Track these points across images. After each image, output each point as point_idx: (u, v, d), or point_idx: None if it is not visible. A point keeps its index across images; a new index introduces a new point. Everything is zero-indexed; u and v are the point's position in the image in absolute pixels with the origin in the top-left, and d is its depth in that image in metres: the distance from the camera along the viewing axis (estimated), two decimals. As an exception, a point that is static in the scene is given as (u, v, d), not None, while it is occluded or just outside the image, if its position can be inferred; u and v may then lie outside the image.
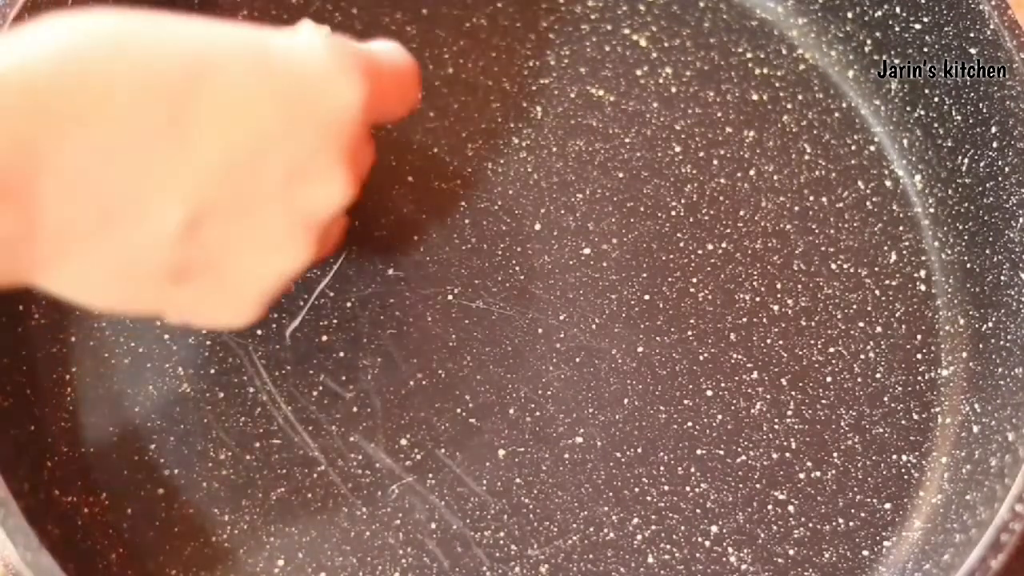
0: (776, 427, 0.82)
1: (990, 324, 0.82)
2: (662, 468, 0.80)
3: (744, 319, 0.84)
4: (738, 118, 0.90)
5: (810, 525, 0.80)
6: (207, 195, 0.54)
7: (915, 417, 0.83)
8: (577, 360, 0.82)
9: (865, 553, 0.79)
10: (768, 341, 0.84)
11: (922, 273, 0.86)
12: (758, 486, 0.80)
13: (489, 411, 0.81)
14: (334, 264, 0.83)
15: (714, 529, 0.79)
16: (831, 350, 0.84)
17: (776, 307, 0.85)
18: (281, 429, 0.80)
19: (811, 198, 0.88)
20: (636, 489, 0.80)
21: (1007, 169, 0.81)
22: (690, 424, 0.81)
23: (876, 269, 0.87)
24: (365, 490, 0.78)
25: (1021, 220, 0.80)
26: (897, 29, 0.87)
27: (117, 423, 0.79)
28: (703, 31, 0.91)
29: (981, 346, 0.83)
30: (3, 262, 0.54)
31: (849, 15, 0.90)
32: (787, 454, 0.81)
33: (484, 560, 0.77)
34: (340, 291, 0.83)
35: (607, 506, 0.79)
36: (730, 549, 0.79)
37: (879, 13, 0.88)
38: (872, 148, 0.90)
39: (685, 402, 0.82)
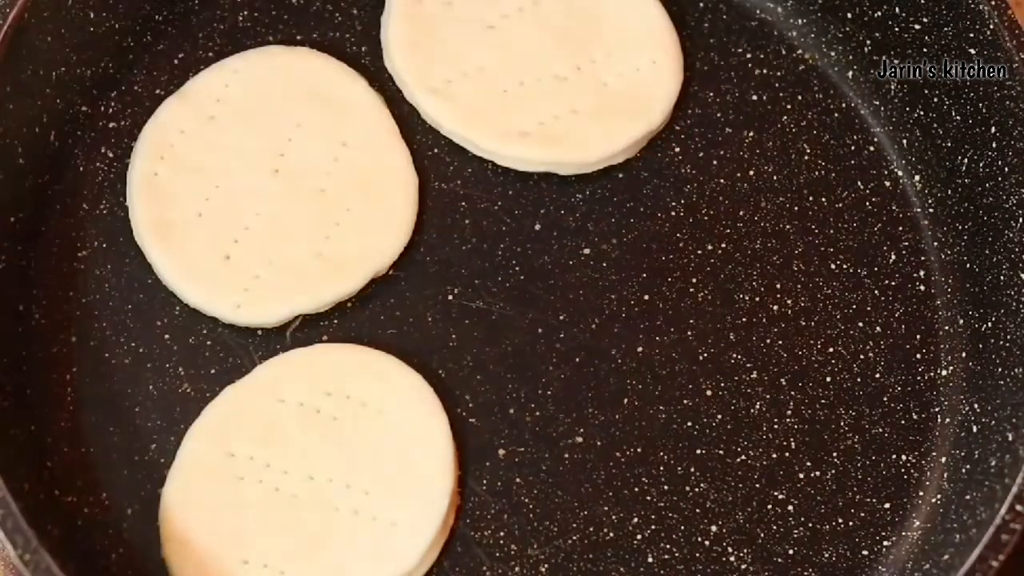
0: (776, 427, 0.82)
1: (989, 324, 0.82)
2: (662, 468, 0.80)
3: (744, 319, 0.84)
4: (738, 118, 0.90)
5: (810, 525, 0.80)
6: None
7: (915, 417, 0.83)
8: (577, 360, 0.82)
9: (865, 553, 0.79)
10: (768, 341, 0.84)
11: (921, 273, 0.86)
12: (758, 486, 0.80)
13: (489, 411, 0.81)
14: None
15: (714, 529, 0.79)
16: (831, 350, 0.84)
17: (776, 307, 0.85)
18: (281, 429, 0.80)
19: (811, 198, 0.88)
20: (636, 489, 0.80)
21: (1007, 169, 0.81)
22: (690, 424, 0.81)
23: (876, 269, 0.87)
24: (365, 490, 0.78)
25: (1020, 220, 0.80)
26: (897, 29, 0.87)
27: (117, 423, 0.79)
28: (703, 31, 0.91)
29: (980, 346, 0.83)
30: None
31: (849, 15, 0.90)
32: (787, 454, 0.81)
33: (484, 560, 0.77)
34: (340, 291, 0.83)
35: (607, 506, 0.79)
36: (730, 549, 0.79)
37: (879, 13, 0.88)
38: (872, 148, 0.90)
39: (685, 402, 0.82)
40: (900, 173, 0.89)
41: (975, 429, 0.80)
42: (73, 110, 0.85)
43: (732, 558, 0.78)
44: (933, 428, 0.83)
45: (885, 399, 0.83)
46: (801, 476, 0.81)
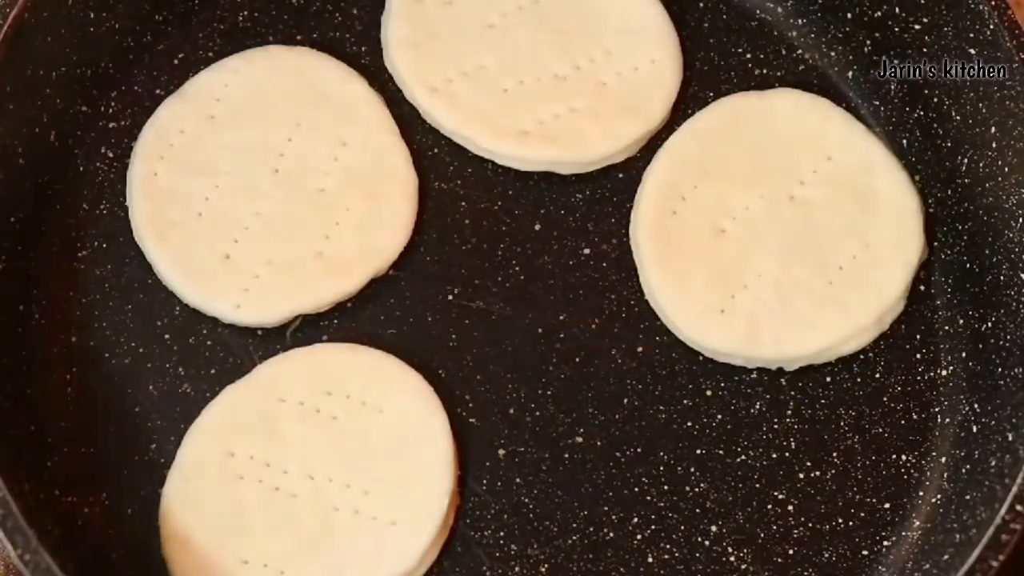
0: (776, 427, 0.82)
1: (989, 324, 0.82)
2: (662, 468, 0.80)
3: (744, 319, 0.84)
4: (738, 118, 0.90)
5: (810, 525, 0.80)
6: None
7: (914, 417, 0.83)
8: (577, 360, 0.82)
9: (865, 553, 0.79)
10: (768, 341, 0.84)
11: (921, 273, 0.86)
12: (758, 486, 0.80)
13: (489, 411, 0.81)
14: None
15: (714, 529, 0.79)
16: (831, 350, 0.84)
17: (776, 307, 0.85)
18: (281, 429, 0.80)
19: (811, 198, 0.88)
20: (636, 489, 0.80)
21: (1007, 169, 0.81)
22: (690, 424, 0.81)
23: (876, 269, 0.86)
24: (365, 490, 0.78)
25: (1020, 220, 0.80)
26: (897, 29, 0.87)
27: (117, 423, 0.79)
28: (703, 31, 0.91)
29: (980, 346, 0.83)
30: None
31: (849, 15, 0.90)
32: (787, 454, 0.81)
33: (484, 560, 0.77)
34: (340, 291, 0.83)
35: (607, 506, 0.79)
36: (730, 549, 0.79)
37: (879, 13, 0.88)
38: (872, 148, 0.90)
39: (685, 402, 0.82)
40: (900, 173, 0.89)
41: (975, 429, 0.80)
42: (73, 110, 0.85)
43: (732, 558, 0.78)
44: (933, 428, 0.83)
45: (885, 399, 0.83)
46: (801, 476, 0.81)
